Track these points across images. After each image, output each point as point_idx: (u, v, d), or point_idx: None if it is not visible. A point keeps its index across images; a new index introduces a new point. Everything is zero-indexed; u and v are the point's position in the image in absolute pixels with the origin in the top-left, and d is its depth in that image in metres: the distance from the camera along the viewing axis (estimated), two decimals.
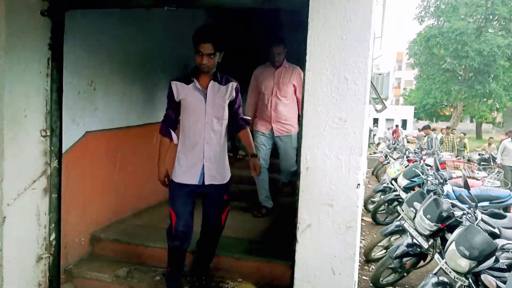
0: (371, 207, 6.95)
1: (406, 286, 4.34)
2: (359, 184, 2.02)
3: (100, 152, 3.63)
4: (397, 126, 28.43)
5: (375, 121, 33.46)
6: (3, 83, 2.62)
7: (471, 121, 34.32)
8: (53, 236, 3.00)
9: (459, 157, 11.87)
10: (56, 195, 2.99)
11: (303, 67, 2.11)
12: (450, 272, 3.15)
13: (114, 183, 3.84)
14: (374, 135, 26.04)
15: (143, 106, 4.24)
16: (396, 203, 6.16)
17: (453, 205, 3.86)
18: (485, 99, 28.37)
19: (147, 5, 2.78)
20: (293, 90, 4.27)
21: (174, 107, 2.96)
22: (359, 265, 4.82)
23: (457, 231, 3.25)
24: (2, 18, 2.59)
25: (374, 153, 15.32)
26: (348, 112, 2.00)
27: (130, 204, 4.13)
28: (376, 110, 6.07)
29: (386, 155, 10.55)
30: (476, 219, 3.39)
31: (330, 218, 2.07)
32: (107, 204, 3.79)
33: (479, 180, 7.11)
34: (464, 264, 3.02)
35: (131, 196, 4.12)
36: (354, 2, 1.94)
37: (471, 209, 3.51)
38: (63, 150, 3.06)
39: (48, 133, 2.93)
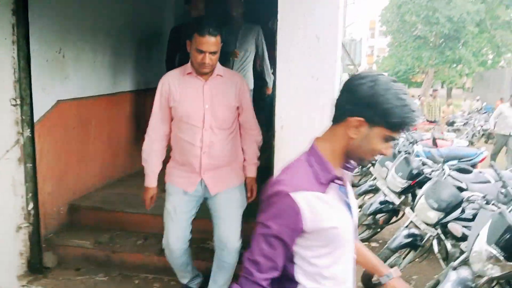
0: None
1: (380, 241, 4.55)
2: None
3: (73, 121, 3.59)
4: None
5: None
6: None
7: (442, 87, 35.06)
8: (31, 205, 3.00)
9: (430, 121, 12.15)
10: (31, 165, 2.96)
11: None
12: (420, 224, 3.33)
13: (89, 153, 3.82)
14: None
15: (115, 74, 4.17)
16: (369, 165, 6.35)
17: (423, 163, 4.03)
18: (455, 65, 28.96)
19: None
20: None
21: None
22: None
23: (426, 186, 3.41)
24: None
25: None
26: (320, 70, 2.05)
27: (107, 173, 4.12)
28: (349, 74, 6.15)
29: None
30: (444, 174, 3.56)
31: None
32: (84, 173, 3.77)
33: (448, 141, 7.37)
34: (433, 216, 3.19)
35: (108, 165, 4.11)
36: None
37: (440, 164, 3.67)
38: (35, 119, 3.02)
39: (19, 102, 2.88)
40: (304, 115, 2.10)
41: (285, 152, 2.18)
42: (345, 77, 9.00)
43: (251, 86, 4.03)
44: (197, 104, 2.25)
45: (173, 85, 2.31)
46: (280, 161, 2.19)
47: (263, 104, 4.21)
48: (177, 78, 2.34)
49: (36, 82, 3.02)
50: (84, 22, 3.63)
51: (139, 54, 4.62)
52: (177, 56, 3.79)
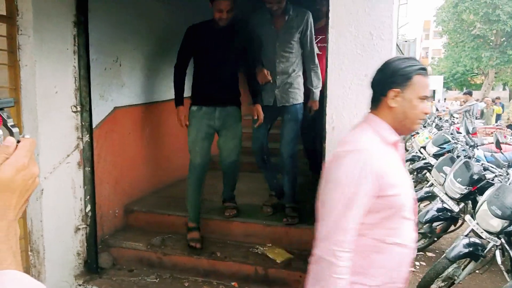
0: None
1: (437, 251, 4.32)
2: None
3: (129, 126, 3.73)
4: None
5: None
6: (33, 61, 2.71)
7: (504, 89, 32.96)
8: (88, 208, 3.13)
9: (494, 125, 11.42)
10: (89, 169, 3.10)
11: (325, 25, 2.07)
12: (481, 232, 3.11)
13: (144, 157, 3.94)
14: None
15: (168, 80, 4.27)
16: (425, 171, 6.05)
17: (485, 168, 3.78)
18: None
19: None
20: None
21: None
22: None
23: (488, 191, 3.20)
24: None
25: None
26: (374, 69, 1.97)
27: (160, 177, 4.24)
28: None
29: None
30: (509, 179, 3.31)
31: None
32: (138, 177, 3.90)
33: (511, 145, 6.88)
34: (496, 224, 2.98)
35: (161, 170, 4.22)
36: None
37: (504, 169, 3.43)
38: (94, 125, 3.16)
39: (79, 109, 3.03)
40: (357, 116, 2.03)
41: None
42: None
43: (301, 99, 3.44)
44: None
45: None
46: None
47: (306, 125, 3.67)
48: None
49: (95, 89, 3.17)
50: (139, 30, 3.77)
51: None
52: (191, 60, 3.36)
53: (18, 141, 0.66)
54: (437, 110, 11.72)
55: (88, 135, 3.08)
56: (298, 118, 3.38)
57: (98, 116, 3.29)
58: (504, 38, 26.25)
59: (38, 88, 2.74)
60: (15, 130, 0.67)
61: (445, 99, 27.12)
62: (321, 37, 3.67)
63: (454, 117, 10.27)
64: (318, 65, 3.45)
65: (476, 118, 12.58)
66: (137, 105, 3.81)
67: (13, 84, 2.71)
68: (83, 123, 3.05)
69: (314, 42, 3.43)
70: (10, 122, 0.68)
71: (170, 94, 4.31)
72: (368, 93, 1.98)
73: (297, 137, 3.41)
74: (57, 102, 2.89)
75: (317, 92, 3.49)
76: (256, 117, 3.29)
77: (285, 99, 3.33)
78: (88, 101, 3.06)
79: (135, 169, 3.84)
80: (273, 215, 3.49)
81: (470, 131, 5.30)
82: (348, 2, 1.95)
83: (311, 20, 3.33)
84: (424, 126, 8.57)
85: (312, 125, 3.69)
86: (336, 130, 2.07)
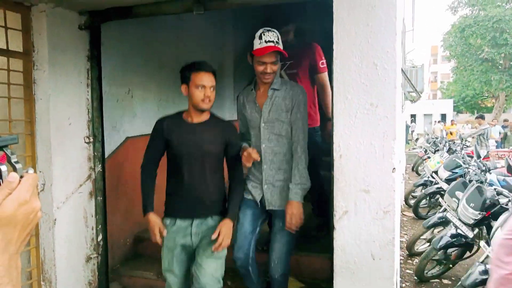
0: (412, 202, 6.80)
1: (453, 278, 4.21)
2: (394, 168, 2.02)
3: (140, 156, 3.76)
4: (436, 121, 27.64)
5: (413, 117, 32.59)
6: (48, 94, 2.80)
7: None
8: (100, 237, 3.15)
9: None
10: (101, 198, 3.14)
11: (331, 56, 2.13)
12: None
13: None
14: (413, 131, 25.37)
15: (179, 110, 4.37)
16: (437, 196, 5.99)
17: (498, 193, 3.73)
18: None
19: (176, 11, 2.89)
20: None
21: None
22: (402, 258, 4.73)
23: (503, 216, 3.16)
24: (44, 34, 2.77)
25: (413, 149, 14.92)
26: (379, 97, 2.01)
27: None
28: (411, 101, 5.95)
29: (426, 149, 10.27)
30: None
31: (366, 204, 2.07)
32: None
33: None
34: None
35: None
36: None
37: None
38: (106, 155, 3.22)
39: (91, 140, 3.10)
40: (364, 144, 2.05)
41: (345, 182, 2.12)
42: (407, 104, 8.70)
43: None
44: None
45: None
46: (340, 191, 2.14)
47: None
48: None
49: (107, 120, 3.25)
50: (151, 62, 3.89)
51: None
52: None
53: (21, 176, 0.69)
54: (450, 133, 11.61)
55: (100, 165, 3.13)
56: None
57: (110, 146, 3.36)
58: None
59: (52, 120, 2.82)
60: (18, 166, 0.70)
61: (439, 121, 27.04)
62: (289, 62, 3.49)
63: (467, 140, 10.17)
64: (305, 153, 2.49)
65: (497, 142, 12.42)
66: (149, 134, 3.87)
67: (28, 117, 2.80)
68: (96, 153, 3.12)
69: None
70: (13, 158, 0.71)
71: None
72: (375, 121, 2.02)
73: (291, 250, 2.61)
74: (71, 133, 2.96)
75: (297, 191, 2.43)
76: (215, 237, 2.33)
77: (275, 201, 2.55)
78: (100, 131, 3.13)
79: None
80: None
81: (481, 155, 5.26)
82: (352, 33, 2.01)
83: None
84: (436, 151, 8.52)
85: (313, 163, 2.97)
86: (344, 158, 2.09)
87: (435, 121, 27.54)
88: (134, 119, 3.69)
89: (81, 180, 3.04)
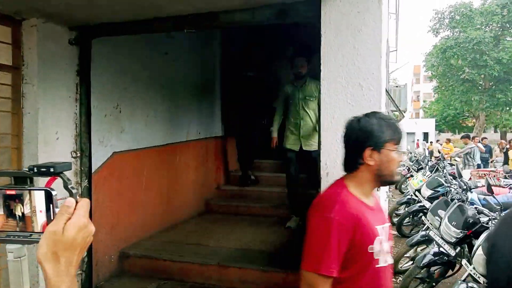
0: (395, 220, 6.87)
1: None
2: (378, 188, 2.07)
3: (127, 171, 3.77)
4: (418, 140, 28.14)
5: None
6: (37, 109, 2.80)
7: (495, 131, 33.54)
8: (84, 253, 3.10)
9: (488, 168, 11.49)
10: None
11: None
12: (479, 277, 3.11)
13: (141, 201, 3.96)
14: None
15: (166, 126, 4.39)
16: (420, 214, 6.07)
17: (479, 212, 3.81)
18: (507, 108, 27.80)
19: (167, 29, 2.94)
20: None
21: None
22: None
23: (483, 236, 3.22)
24: (34, 49, 2.78)
25: None
26: None
27: (157, 221, 4.23)
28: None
29: (409, 168, 10.43)
30: None
31: None
32: (135, 221, 3.90)
33: (505, 187, 6.94)
34: None
35: (157, 214, 4.23)
36: (363, 13, 2.04)
37: (497, 213, 3.47)
38: (93, 170, 3.21)
39: (79, 154, 3.09)
40: None
41: None
42: None
43: None
44: None
45: None
46: None
47: None
48: None
49: (95, 135, 3.25)
50: (140, 78, 3.92)
51: (190, 106, 4.88)
52: None
53: (76, 202, 0.73)
54: (438, 152, 11.80)
55: (86, 180, 3.12)
56: None
57: (97, 161, 3.34)
58: (492, 83, 27.06)
59: (40, 135, 2.81)
60: (74, 191, 0.74)
61: (437, 140, 27.49)
62: None
63: (455, 160, 10.34)
64: None
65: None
66: (136, 150, 3.88)
67: (15, 131, 2.79)
68: (82, 168, 3.10)
69: None
70: (70, 184, 0.75)
71: (168, 138, 4.42)
72: None
73: None
74: (58, 148, 2.95)
75: None
76: None
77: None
78: (88, 146, 3.13)
79: (131, 213, 3.85)
80: (270, 260, 3.48)
81: (462, 174, 5.38)
82: (338, 56, 2.08)
83: None
84: (420, 169, 8.66)
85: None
86: (330, 176, 2.13)
87: (431, 142, 27.95)
88: (122, 134, 3.69)
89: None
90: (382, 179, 1.51)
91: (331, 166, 2.13)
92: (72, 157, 3.05)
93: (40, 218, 0.75)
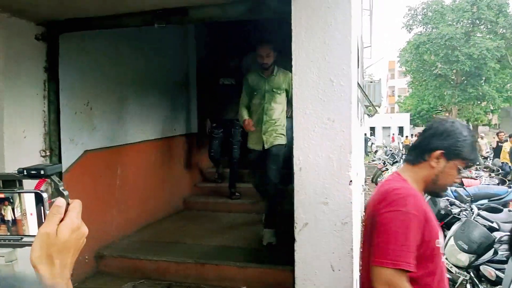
0: None
1: None
2: (351, 181, 2.09)
3: (100, 170, 3.70)
4: (393, 134, 28.67)
5: (372, 130, 33.61)
6: (2, 106, 2.70)
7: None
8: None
9: None
10: None
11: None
12: (451, 267, 3.19)
13: (115, 200, 3.89)
14: (372, 143, 26.16)
15: (140, 123, 4.32)
16: None
17: (451, 203, 3.92)
18: (479, 102, 28.65)
19: (137, 24, 2.88)
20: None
21: None
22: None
23: (454, 227, 3.31)
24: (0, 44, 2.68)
25: (373, 161, 15.37)
26: (335, 112, 2.08)
27: (133, 220, 4.17)
28: (368, 115, 6.18)
29: (384, 161, 10.62)
30: (473, 214, 3.44)
31: (326, 216, 2.12)
32: (110, 221, 3.83)
33: (476, 179, 7.15)
34: (464, 259, 3.07)
35: (133, 212, 4.17)
36: (333, 8, 2.04)
37: (467, 204, 3.56)
38: (63, 170, 3.13)
39: (48, 153, 3.00)
40: (322, 157, 2.11)
41: (305, 194, 2.17)
42: (366, 117, 8.99)
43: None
44: None
45: None
46: (300, 203, 2.18)
47: None
48: None
49: (65, 133, 3.16)
50: (112, 75, 3.83)
51: (164, 103, 4.81)
52: None
53: (68, 204, 0.72)
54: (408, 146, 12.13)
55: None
56: None
57: (68, 160, 3.26)
58: (464, 77, 27.81)
59: (6, 133, 2.71)
60: (66, 193, 0.74)
61: (412, 135, 28.10)
62: None
63: None
64: None
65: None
66: (108, 148, 3.81)
67: None
68: None
69: None
70: (61, 186, 0.74)
71: (143, 136, 4.35)
72: (332, 135, 2.09)
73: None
74: (26, 147, 2.86)
75: None
76: None
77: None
78: (58, 145, 3.04)
79: (106, 213, 3.78)
80: (247, 257, 3.48)
81: None
82: (309, 50, 2.08)
83: None
84: (394, 163, 8.84)
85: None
86: (303, 171, 2.14)
87: (406, 136, 28.44)
88: (94, 132, 3.61)
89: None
90: (433, 187, 1.51)
91: (304, 161, 2.14)
92: (41, 156, 2.97)
93: (31, 221, 0.73)
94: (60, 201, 0.71)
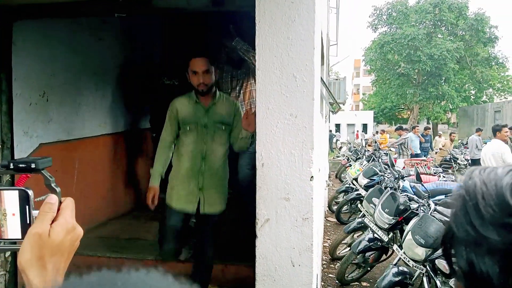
0: (335, 207, 7.11)
1: (371, 280, 4.45)
2: (312, 177, 2.10)
3: (56, 164, 3.51)
4: (357, 131, 29.35)
5: (338, 126, 34.25)
6: None
7: (428, 123, 35.79)
8: (8, 253, 2.90)
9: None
10: None
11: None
12: (408, 261, 3.28)
13: (72, 196, 3.72)
14: (337, 140, 26.66)
15: (101, 116, 4.18)
16: (357, 202, 6.32)
17: (410, 199, 4.02)
18: (439, 101, 29.75)
19: (96, 13, 2.78)
20: None
21: None
22: (325, 263, 4.91)
23: (412, 222, 3.40)
24: None
25: (337, 157, 15.65)
26: (298, 108, 2.08)
27: (92, 216, 4.04)
28: (332, 111, 6.26)
29: (348, 157, 10.82)
30: (430, 209, 3.55)
31: (287, 212, 2.12)
32: None
33: (435, 175, 7.42)
34: (421, 252, 3.15)
35: (92, 208, 4.03)
36: (297, 3, 2.03)
37: (425, 200, 3.67)
38: None
39: None
40: (284, 153, 2.11)
41: (267, 190, 2.16)
42: (331, 115, 9.14)
43: None
44: None
45: None
46: (262, 199, 2.17)
47: None
48: None
49: (18, 125, 3.01)
50: (71, 65, 3.68)
51: (126, 95, 4.67)
52: None
53: (60, 202, 0.64)
54: (375, 142, 12.46)
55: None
56: None
57: (22, 153, 3.11)
58: (425, 77, 28.78)
59: None
60: (58, 189, 0.66)
61: (377, 132, 28.89)
62: None
63: (390, 150, 10.91)
64: None
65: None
66: (66, 141, 3.66)
67: None
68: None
69: None
70: (53, 182, 0.66)
71: (102, 129, 4.21)
72: (294, 131, 2.08)
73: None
74: None
75: None
76: None
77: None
78: (10, 137, 2.90)
79: None
80: None
81: (394, 164, 5.66)
82: (273, 45, 2.07)
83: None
84: (358, 159, 9.02)
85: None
86: (265, 167, 2.13)
87: (355, 131, 29.15)
88: (50, 125, 3.46)
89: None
90: None
91: (266, 157, 2.13)
92: None
93: (13, 222, 0.64)
94: (52, 198, 0.63)
